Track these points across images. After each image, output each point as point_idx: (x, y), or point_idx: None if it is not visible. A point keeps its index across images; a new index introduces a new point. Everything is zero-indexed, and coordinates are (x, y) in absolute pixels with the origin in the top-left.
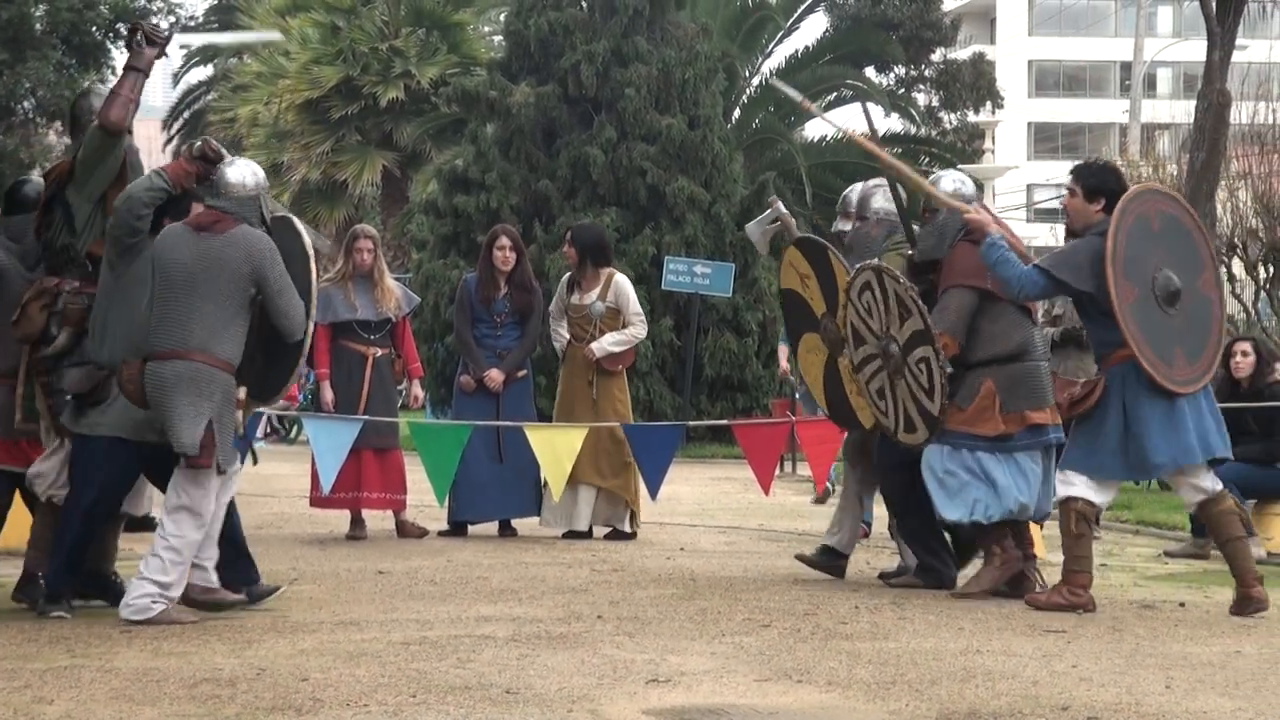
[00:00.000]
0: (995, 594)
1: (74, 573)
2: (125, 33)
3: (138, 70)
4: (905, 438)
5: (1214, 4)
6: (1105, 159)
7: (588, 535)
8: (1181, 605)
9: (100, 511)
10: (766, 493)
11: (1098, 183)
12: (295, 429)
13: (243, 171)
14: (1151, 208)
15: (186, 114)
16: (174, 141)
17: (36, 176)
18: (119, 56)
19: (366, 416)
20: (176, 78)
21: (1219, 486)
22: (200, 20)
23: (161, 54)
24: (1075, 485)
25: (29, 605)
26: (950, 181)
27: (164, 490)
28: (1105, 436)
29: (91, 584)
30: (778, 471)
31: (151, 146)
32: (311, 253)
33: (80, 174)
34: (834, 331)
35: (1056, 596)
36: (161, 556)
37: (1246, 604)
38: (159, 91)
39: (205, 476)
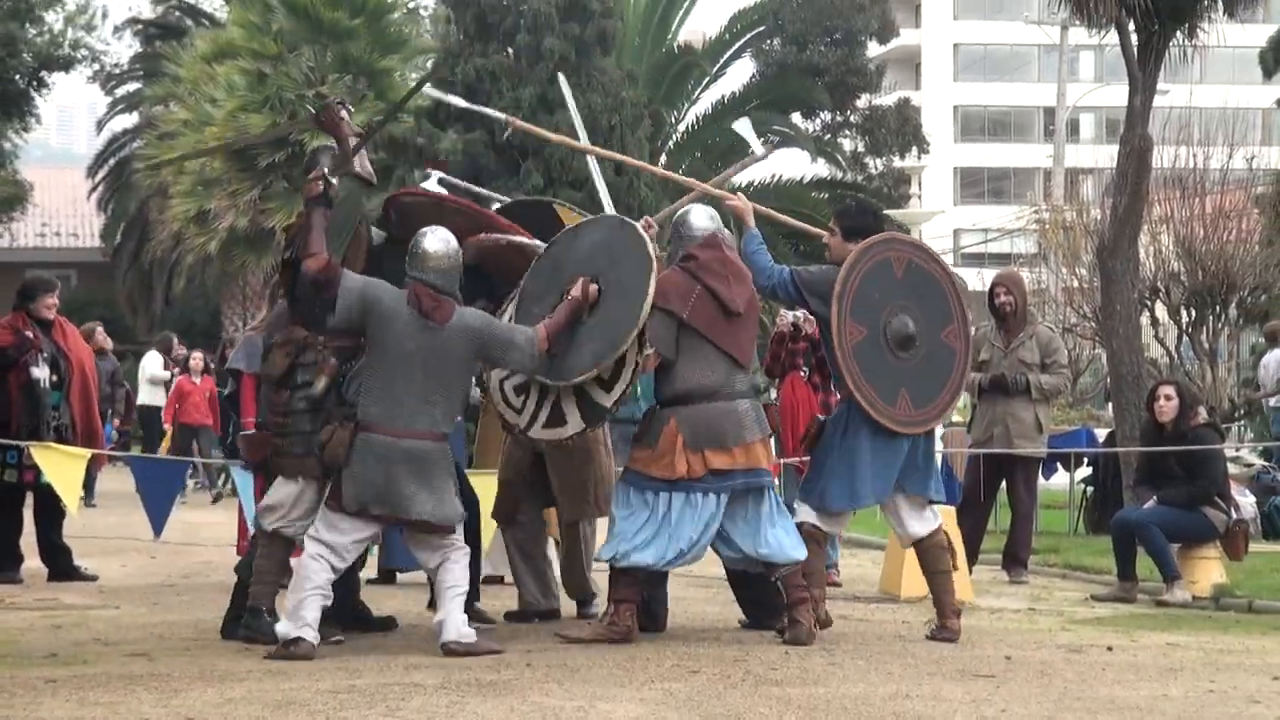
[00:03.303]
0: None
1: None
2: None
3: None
4: (543, 433)
5: (1135, 50)
6: (869, 202)
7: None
8: (1109, 649)
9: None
10: None
11: (854, 224)
12: (224, 479)
13: (438, 243)
14: (899, 255)
15: (112, 161)
16: (99, 189)
17: None
18: (42, 105)
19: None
20: (101, 124)
21: (931, 527)
22: (126, 68)
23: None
24: (799, 513)
25: (250, 638)
26: (702, 216)
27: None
28: (830, 468)
29: (348, 617)
30: None
31: (76, 194)
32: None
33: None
34: None
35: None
36: (454, 605)
37: (941, 631)
38: (83, 138)
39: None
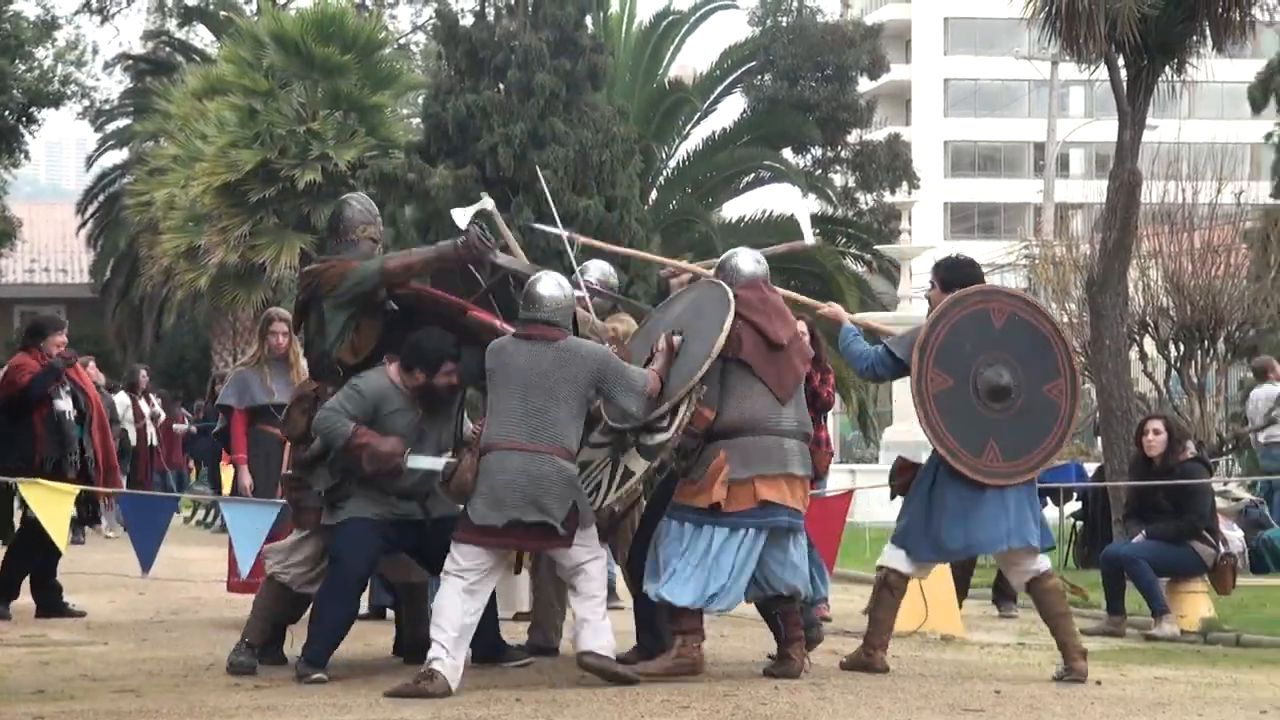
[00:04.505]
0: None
1: (335, 643)
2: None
3: (440, 256)
4: (615, 495)
5: (1125, 85)
6: (963, 254)
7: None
8: (1098, 683)
9: (356, 587)
10: None
11: (954, 275)
12: (213, 514)
13: (550, 285)
14: (1000, 306)
15: (101, 197)
16: (88, 225)
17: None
18: (32, 142)
19: (285, 501)
20: (91, 160)
21: (1042, 568)
22: (116, 104)
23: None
24: (887, 556)
25: (237, 670)
26: (748, 261)
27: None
28: (915, 515)
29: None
30: None
31: (65, 230)
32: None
33: (341, 290)
34: None
35: (858, 653)
36: (595, 613)
37: (1069, 673)
38: (72, 174)
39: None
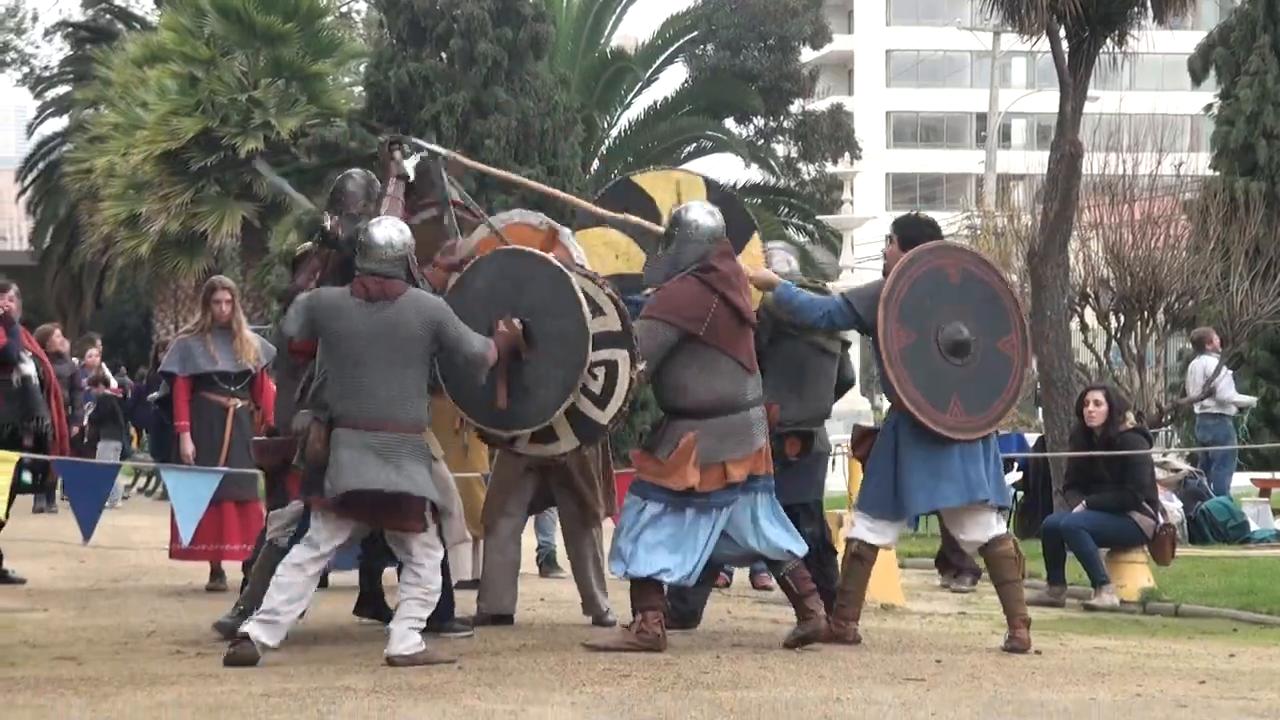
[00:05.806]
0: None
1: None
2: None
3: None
4: (532, 449)
5: (1066, 56)
6: (922, 213)
7: (473, 585)
8: (1038, 653)
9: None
10: None
11: (913, 233)
12: (154, 482)
13: (389, 232)
14: (956, 263)
15: (41, 165)
16: (28, 193)
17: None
18: None
19: (226, 468)
20: (31, 128)
21: (997, 532)
22: (56, 71)
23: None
24: (854, 526)
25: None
26: (703, 213)
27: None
28: (880, 479)
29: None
30: None
31: (4, 197)
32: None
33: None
34: None
35: (829, 625)
36: (407, 613)
37: (1011, 641)
38: (12, 142)
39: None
